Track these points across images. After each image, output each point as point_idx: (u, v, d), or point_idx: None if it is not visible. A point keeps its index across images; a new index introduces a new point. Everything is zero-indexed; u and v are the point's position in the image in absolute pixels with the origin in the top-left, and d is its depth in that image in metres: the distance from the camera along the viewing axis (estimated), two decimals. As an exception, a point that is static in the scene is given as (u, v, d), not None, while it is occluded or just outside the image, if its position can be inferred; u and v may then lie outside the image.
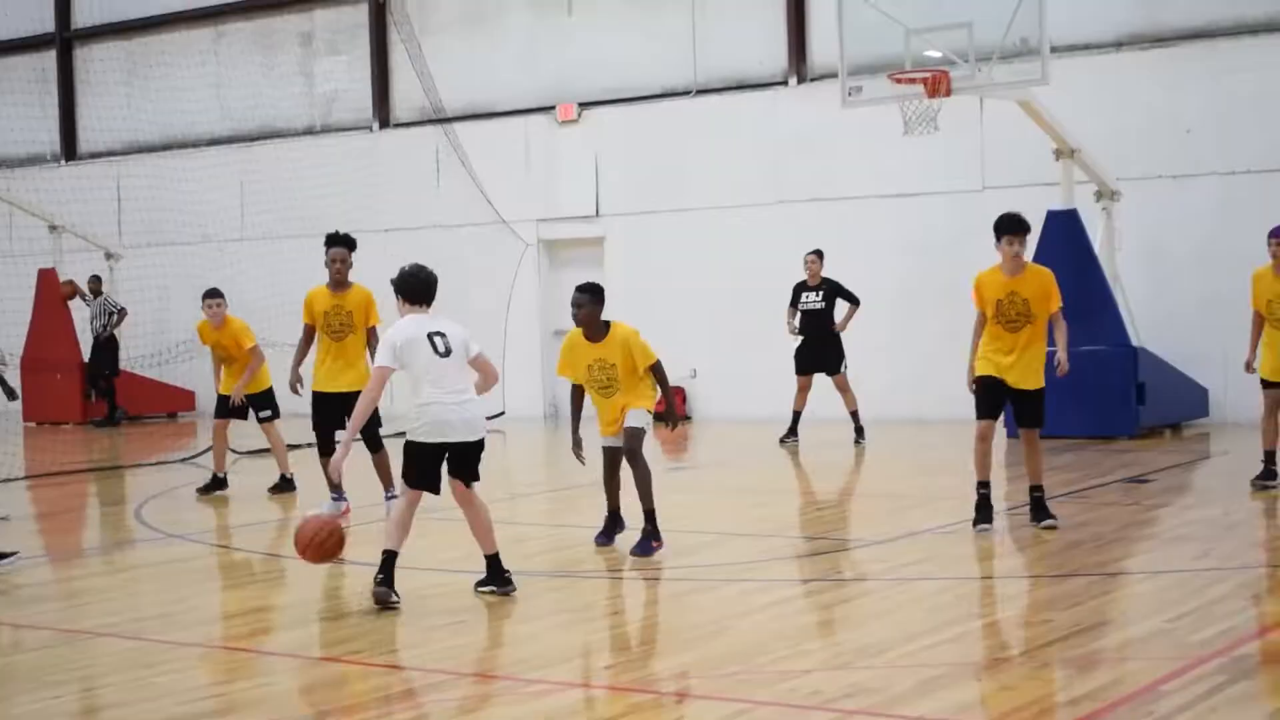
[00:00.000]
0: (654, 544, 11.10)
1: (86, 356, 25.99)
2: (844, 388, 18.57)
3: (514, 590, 9.73)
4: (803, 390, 18.78)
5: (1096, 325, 18.04)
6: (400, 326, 9.64)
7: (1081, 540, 11.14)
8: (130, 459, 20.00)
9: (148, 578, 11.15)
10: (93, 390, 25.89)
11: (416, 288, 9.75)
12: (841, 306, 18.68)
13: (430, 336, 9.58)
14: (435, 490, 9.72)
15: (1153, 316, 19.35)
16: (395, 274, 9.82)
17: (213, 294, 15.70)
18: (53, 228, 26.28)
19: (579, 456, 11.31)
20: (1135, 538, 11.52)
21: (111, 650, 8.66)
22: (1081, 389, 17.72)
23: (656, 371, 11.15)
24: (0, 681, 8.18)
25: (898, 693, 7.19)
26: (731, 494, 14.82)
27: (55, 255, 26.40)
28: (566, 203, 24.29)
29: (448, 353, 9.57)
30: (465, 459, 9.71)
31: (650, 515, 11.14)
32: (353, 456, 10.29)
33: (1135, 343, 18.42)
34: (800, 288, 18.82)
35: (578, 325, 11.18)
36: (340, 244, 13.57)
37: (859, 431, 18.54)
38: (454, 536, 12.46)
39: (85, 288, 26.12)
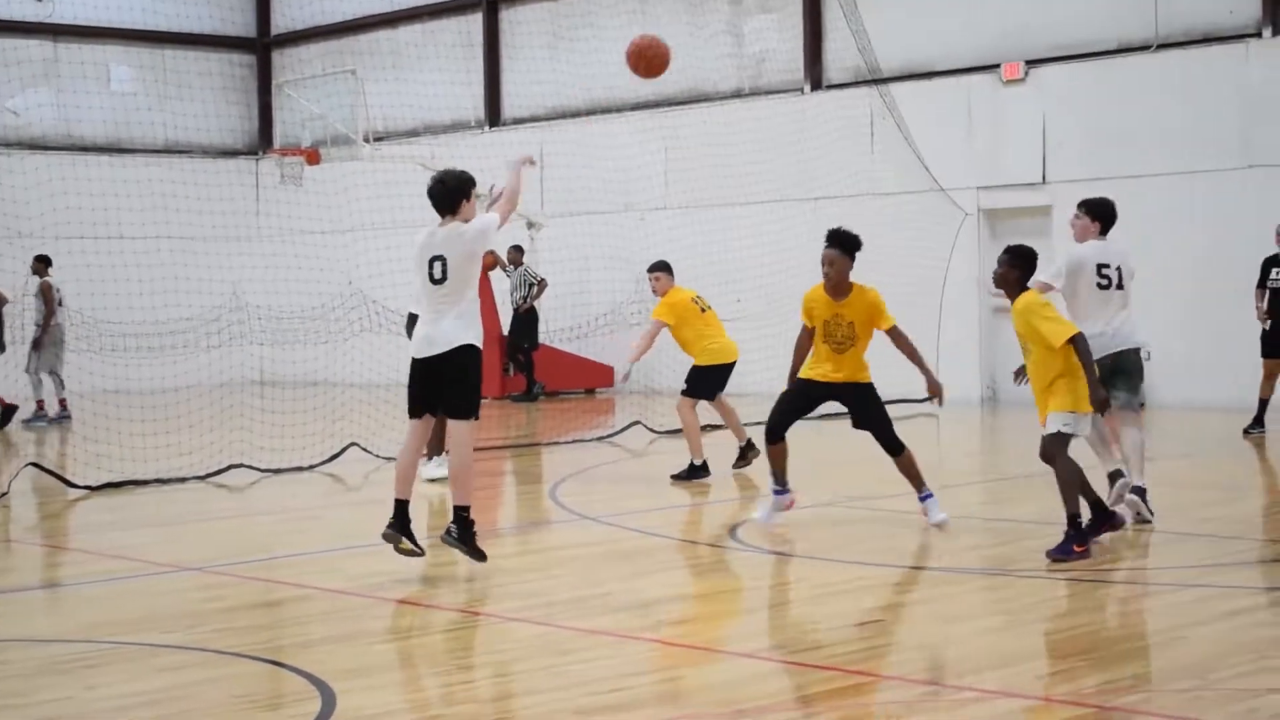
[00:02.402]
0: (1075, 548, 10.64)
1: (506, 329, 26.83)
2: None
3: (471, 553, 10.41)
4: (1269, 376, 18.01)
5: None
6: (416, 240, 10.51)
7: None
8: (547, 436, 20.56)
9: (562, 561, 11.39)
10: (511, 364, 26.72)
11: (431, 196, 10.58)
12: None
13: (430, 262, 10.31)
14: (416, 414, 10.39)
15: None
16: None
17: (652, 267, 15.94)
18: (476, 195, 27.15)
19: None
20: None
21: (522, 635, 8.87)
22: None
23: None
24: (408, 662, 8.48)
25: (1376, 721, 6.78)
26: (1189, 489, 14.27)
27: (477, 224, 27.30)
28: (1010, 169, 23.85)
29: (443, 279, 10.27)
30: (429, 380, 10.27)
31: (1072, 519, 10.69)
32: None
33: None
34: (1270, 263, 18.01)
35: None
36: (831, 244, 12.02)
37: None
38: (871, 528, 12.36)
39: (505, 258, 26.94)
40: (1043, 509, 12.33)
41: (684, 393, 15.58)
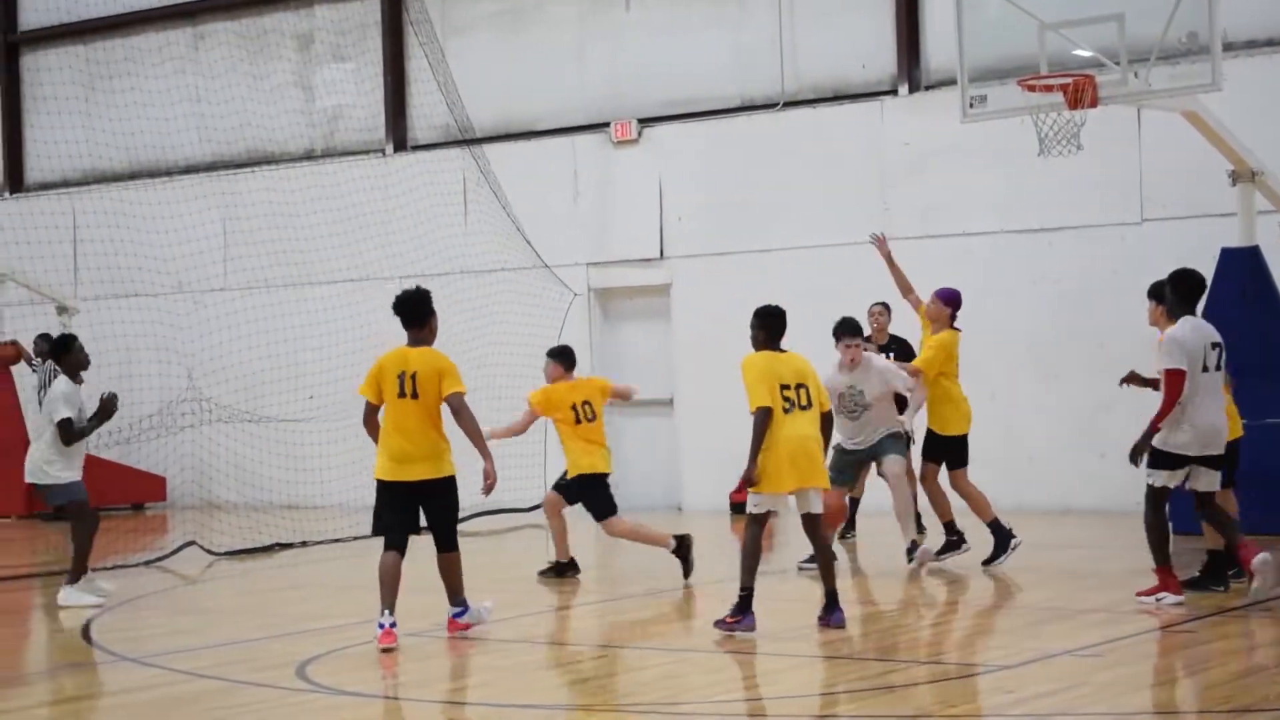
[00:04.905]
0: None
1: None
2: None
3: None
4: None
5: (1285, 391, 17.89)
6: None
7: (1264, 665, 11.00)
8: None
9: (99, 712, 11.20)
10: (41, 476, 25.96)
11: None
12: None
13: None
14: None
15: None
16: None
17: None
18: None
19: None
20: (1332, 661, 11.39)
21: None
22: (1269, 473, 17.54)
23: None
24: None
25: None
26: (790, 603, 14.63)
27: (-5, 309, 26.74)
28: (623, 242, 24.37)
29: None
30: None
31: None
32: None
33: (1341, 416, 18.23)
34: None
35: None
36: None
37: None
38: (439, 661, 12.43)
39: (31, 349, 26.30)
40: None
41: None
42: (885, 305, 19.16)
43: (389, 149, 26.44)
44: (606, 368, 24.25)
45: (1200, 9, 16.28)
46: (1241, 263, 18.19)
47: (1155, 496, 13.60)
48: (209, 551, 19.61)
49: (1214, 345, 13.64)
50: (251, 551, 19.85)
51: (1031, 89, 16.75)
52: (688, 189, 23.84)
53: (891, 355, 18.64)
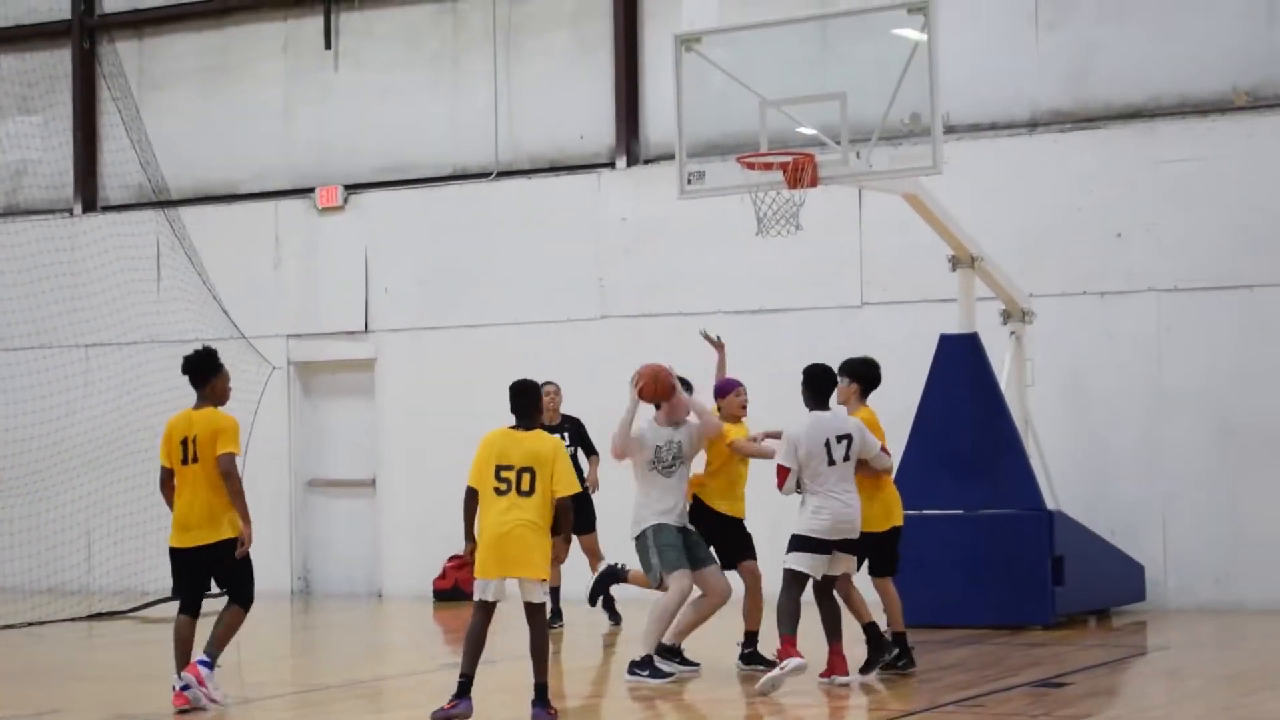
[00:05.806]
0: None
1: None
2: (595, 550, 18.84)
3: None
4: (554, 560, 18.87)
5: (1001, 482, 18.13)
6: None
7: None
8: None
9: None
10: None
11: None
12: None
13: None
14: None
15: (1074, 472, 19.58)
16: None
17: None
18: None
19: None
20: (1043, 760, 11.60)
21: None
22: (982, 565, 17.87)
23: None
24: None
25: None
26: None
27: None
28: (327, 314, 24.20)
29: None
30: None
31: None
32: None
33: (1051, 505, 18.55)
34: None
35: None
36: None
37: (609, 607, 18.87)
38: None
39: None
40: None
41: None
42: (557, 385, 19.23)
43: (77, 209, 25.97)
44: (307, 446, 24.12)
45: (923, 90, 16.60)
46: (960, 349, 18.52)
47: (797, 581, 14.18)
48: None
49: (839, 438, 14.17)
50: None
51: (751, 166, 16.82)
52: (396, 259, 23.75)
53: (565, 436, 18.78)
